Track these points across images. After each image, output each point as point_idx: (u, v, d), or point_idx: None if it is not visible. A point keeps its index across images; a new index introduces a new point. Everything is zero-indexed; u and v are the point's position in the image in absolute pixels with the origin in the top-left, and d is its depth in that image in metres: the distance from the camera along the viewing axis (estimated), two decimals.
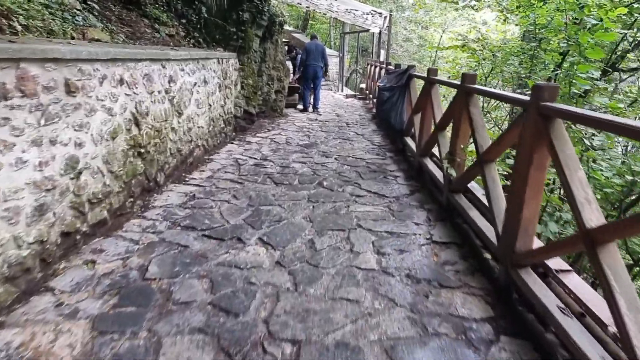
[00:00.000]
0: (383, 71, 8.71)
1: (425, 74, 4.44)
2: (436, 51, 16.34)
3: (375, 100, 7.97)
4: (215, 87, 5.32)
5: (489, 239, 2.37)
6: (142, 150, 3.26)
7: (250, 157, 5.08)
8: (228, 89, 5.97)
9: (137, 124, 3.18)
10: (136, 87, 3.16)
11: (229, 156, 5.07)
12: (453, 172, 2.99)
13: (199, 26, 6.18)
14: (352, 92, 14.11)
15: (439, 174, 3.64)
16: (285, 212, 3.28)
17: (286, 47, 10.51)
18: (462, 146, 2.96)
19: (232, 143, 5.85)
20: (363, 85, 13.01)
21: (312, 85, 9.23)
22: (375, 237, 2.85)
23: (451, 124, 3.32)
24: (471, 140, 2.90)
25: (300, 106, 9.75)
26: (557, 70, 7.00)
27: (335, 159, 5.16)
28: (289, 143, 6.04)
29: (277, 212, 3.26)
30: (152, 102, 3.45)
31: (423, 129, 4.19)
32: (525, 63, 7.56)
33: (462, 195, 3.08)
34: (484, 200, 2.72)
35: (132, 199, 3.10)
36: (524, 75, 7.96)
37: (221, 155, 5.09)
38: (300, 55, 10.18)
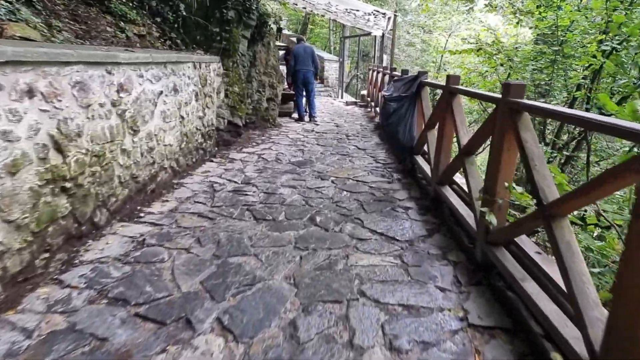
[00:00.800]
0: (387, 77, 7.90)
1: (439, 81, 3.62)
2: (441, 56, 15.56)
3: (379, 110, 7.13)
4: (190, 96, 4.49)
5: (566, 340, 1.52)
6: (69, 185, 2.41)
7: (229, 179, 4.23)
8: (208, 98, 5.14)
9: (60, 150, 2.34)
10: (59, 100, 2.33)
11: (204, 179, 4.22)
12: (493, 220, 2.14)
13: (176, 26, 5.37)
14: (353, 99, 13.30)
15: (466, 212, 2.79)
16: (261, 269, 2.42)
17: (284, 51, 9.70)
18: (506, 184, 2.11)
19: (212, 161, 5.01)
20: (364, 92, 12.21)
21: (304, 92, 8.42)
22: (386, 316, 1.99)
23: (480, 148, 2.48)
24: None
25: (295, 115, 8.93)
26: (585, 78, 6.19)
27: (333, 181, 4.32)
28: (279, 160, 5.20)
29: (250, 269, 2.41)
30: (88, 118, 2.61)
31: (441, 150, 3.35)
32: (547, 69, 6.74)
33: (504, 249, 2.23)
34: (545, 266, 1.87)
35: (47, 255, 2.25)
36: (544, 82, 7.14)
37: (195, 177, 4.25)
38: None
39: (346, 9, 7.47)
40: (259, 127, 7.33)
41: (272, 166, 4.90)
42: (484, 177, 2.43)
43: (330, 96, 15.13)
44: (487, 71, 9.73)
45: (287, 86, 9.39)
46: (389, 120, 4.37)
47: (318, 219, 3.24)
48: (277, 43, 20.50)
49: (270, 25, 6.65)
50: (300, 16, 28.48)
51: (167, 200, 3.52)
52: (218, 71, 5.50)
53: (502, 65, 7.11)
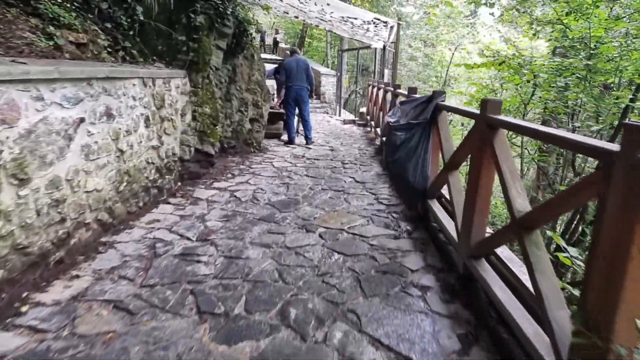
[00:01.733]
0: (388, 95, 6.93)
1: (468, 107, 2.61)
2: (447, 70, 14.68)
3: (383, 139, 6.12)
4: (136, 122, 3.48)
5: None
6: None
7: (182, 234, 3.18)
8: (167, 122, 4.13)
9: None
10: None
11: (147, 233, 3.17)
12: None
13: (132, 33, 4.39)
14: (351, 117, 12.35)
15: (524, 319, 1.73)
16: None
17: (277, 65, 8.76)
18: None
19: (169, 202, 3.96)
20: (363, 110, 11.26)
21: (296, 111, 7.47)
22: None
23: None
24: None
25: (285, 137, 7.93)
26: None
27: (321, 236, 3.27)
28: (256, 200, 4.16)
29: None
30: None
31: (474, 207, 2.30)
32: (577, 87, 5.76)
33: None
34: None
35: None
36: (573, 102, 6.16)
37: (136, 232, 3.19)
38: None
39: (342, 17, 6.55)
40: (240, 153, 6.31)
41: (245, 209, 3.85)
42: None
43: (327, 113, 14.20)
44: (502, 85, 8.80)
45: (275, 103, 8.43)
46: (395, 156, 3.34)
47: (293, 312, 2.18)
48: (272, 57, 19.75)
49: (252, 35, 5.69)
50: (297, 29, 27.92)
51: (77, 276, 2.46)
52: (183, 88, 4.50)
53: (528, 81, 6.15)
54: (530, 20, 8.21)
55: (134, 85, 3.43)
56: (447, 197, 3.34)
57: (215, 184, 4.67)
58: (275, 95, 8.32)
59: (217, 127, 5.05)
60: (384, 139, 6.74)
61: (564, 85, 5.60)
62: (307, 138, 7.60)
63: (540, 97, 6.17)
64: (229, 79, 5.90)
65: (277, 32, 26.37)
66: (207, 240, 3.08)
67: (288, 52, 8.66)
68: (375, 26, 6.61)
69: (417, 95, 3.80)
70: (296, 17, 7.91)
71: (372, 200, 4.32)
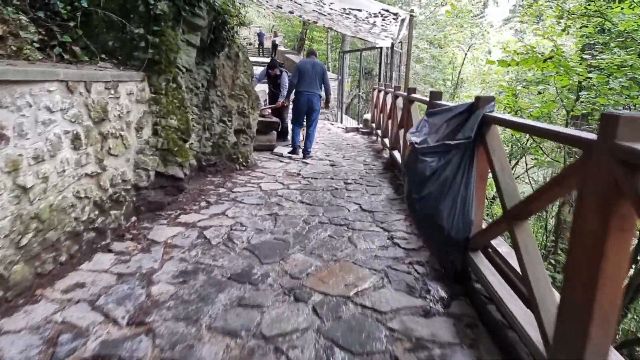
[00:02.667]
0: (400, 100, 5.92)
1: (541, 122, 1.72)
2: (459, 73, 13.66)
3: (402, 165, 5.09)
4: (56, 143, 2.48)
5: None
6: None
7: (108, 314, 2.15)
8: (114, 140, 3.13)
9: None
10: None
11: (55, 313, 2.14)
12: None
13: (73, 24, 3.40)
14: (354, 124, 11.35)
15: None
16: None
17: (267, 66, 7.77)
18: None
19: (111, 250, 2.95)
20: (367, 116, 10.27)
21: (304, 121, 6.55)
22: None
23: None
24: None
25: (280, 149, 6.93)
26: None
27: (316, 310, 2.25)
28: (231, 243, 3.14)
29: None
30: None
31: (594, 298, 1.28)
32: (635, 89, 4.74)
33: None
34: None
35: None
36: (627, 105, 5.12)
37: (39, 311, 2.16)
38: (284, 74, 7.50)
39: (344, 10, 5.56)
40: (223, 171, 5.30)
41: (214, 260, 2.83)
42: None
43: (328, 119, 13.22)
44: (526, 88, 7.79)
45: (266, 109, 7.44)
46: (423, 191, 2.30)
47: None
48: (262, 59, 18.74)
49: (233, 29, 4.69)
50: (297, 31, 27.02)
51: None
52: (140, 95, 3.50)
53: (580, 82, 5.13)
54: (560, 14, 7.20)
55: (49, 91, 2.43)
56: (496, 245, 2.33)
57: (183, 217, 3.65)
58: (283, 99, 7.34)
59: (187, 143, 4.04)
60: (386, 140, 5.72)
61: (620, 87, 4.59)
62: (306, 151, 6.61)
63: (582, 101, 5.17)
64: (208, 83, 4.90)
65: (275, 35, 25.52)
66: (142, 325, 2.06)
67: (292, 56, 7.67)
68: (383, 19, 5.63)
69: (451, 104, 2.77)
70: (291, 12, 6.94)
71: (385, 241, 3.29)
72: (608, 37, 6.66)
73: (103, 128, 2.98)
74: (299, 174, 5.56)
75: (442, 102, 3.37)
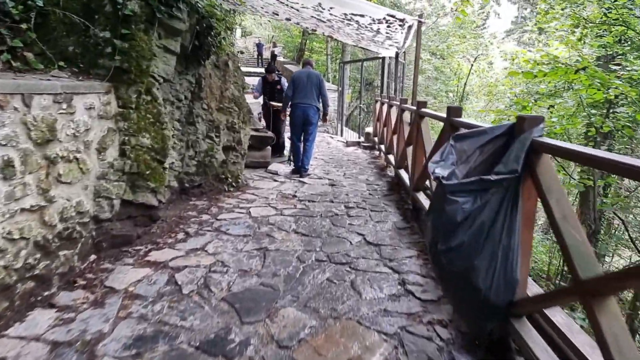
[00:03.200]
0: (407, 114, 5.38)
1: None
2: (464, 84, 13.18)
3: (409, 182, 4.56)
4: None
5: None
6: None
7: None
8: (66, 164, 2.58)
9: None
10: None
11: None
12: None
13: (26, 27, 2.88)
14: (355, 138, 10.83)
15: None
16: None
17: (262, 77, 7.26)
18: None
19: (53, 305, 2.36)
20: (369, 130, 9.75)
21: (300, 135, 6.05)
22: None
23: None
24: None
25: (275, 166, 6.39)
26: None
27: None
28: (207, 291, 2.56)
29: None
30: None
31: None
32: None
33: None
34: None
35: None
36: None
37: None
38: (283, 79, 7.02)
39: (345, 15, 5.06)
40: (209, 193, 4.74)
41: (181, 318, 2.25)
42: None
43: (327, 132, 12.70)
44: (536, 102, 7.28)
45: (261, 121, 6.92)
46: (452, 241, 1.73)
47: None
48: (260, 70, 18.35)
49: (220, 34, 4.17)
50: (296, 42, 26.73)
51: None
52: (103, 110, 2.95)
53: (616, 96, 4.60)
54: (576, 22, 6.72)
55: None
56: (549, 313, 1.76)
57: (153, 255, 3.07)
58: (268, 107, 6.84)
59: (164, 163, 3.48)
60: (391, 157, 5.14)
61: None
62: (303, 168, 6.06)
63: (617, 117, 4.64)
64: (192, 95, 4.37)
65: (274, 45, 25.20)
66: None
67: (290, 67, 7.21)
68: (388, 26, 5.14)
69: (484, 125, 2.20)
70: (288, 19, 6.46)
71: (396, 287, 2.72)
72: (629, 47, 6.16)
73: (50, 150, 2.42)
74: (294, 196, 4.99)
75: (470, 120, 2.83)
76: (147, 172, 3.28)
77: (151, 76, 3.33)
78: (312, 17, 5.66)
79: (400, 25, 5.09)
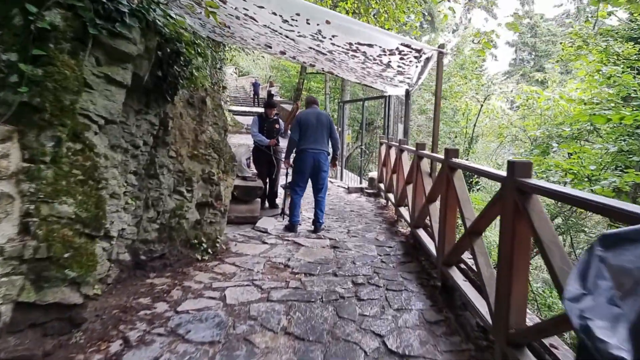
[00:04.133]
0: (425, 163, 4.41)
1: None
2: (474, 126, 12.40)
3: (435, 251, 3.52)
4: None
5: None
6: None
7: None
8: None
9: None
10: None
11: None
12: None
13: None
14: (357, 184, 9.87)
15: None
16: None
17: (258, 117, 6.32)
18: None
19: None
20: (373, 175, 8.81)
21: (305, 186, 5.19)
22: None
23: None
24: None
25: (265, 222, 5.35)
26: None
27: None
28: None
29: None
30: None
31: None
32: None
33: None
34: None
35: None
36: None
37: None
38: (280, 122, 6.15)
39: (350, 46, 4.24)
40: (175, 264, 3.66)
41: None
42: None
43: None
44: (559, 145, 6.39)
45: (250, 167, 5.96)
46: None
47: None
48: (257, 109, 17.68)
49: (191, 62, 3.25)
50: (294, 82, 26.53)
51: None
52: None
53: None
54: (601, 58, 5.97)
55: None
56: None
57: None
58: (283, 158, 5.91)
59: (96, 239, 2.43)
60: (403, 210, 4.06)
61: None
62: (317, 222, 5.23)
63: None
64: (156, 140, 3.41)
65: (271, 85, 24.93)
66: None
67: (288, 107, 6.40)
68: (402, 58, 4.31)
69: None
70: (283, 52, 5.68)
71: None
72: None
73: None
74: (287, 266, 3.91)
75: (470, 163, 1.86)
76: (66, 255, 2.23)
77: (83, 115, 2.36)
78: (311, 48, 4.85)
79: (415, 57, 4.25)
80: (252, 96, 26.13)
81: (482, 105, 12.59)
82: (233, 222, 5.20)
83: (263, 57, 29.17)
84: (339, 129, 11.83)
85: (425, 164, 4.33)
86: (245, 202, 5.30)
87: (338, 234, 5.21)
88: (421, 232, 4.34)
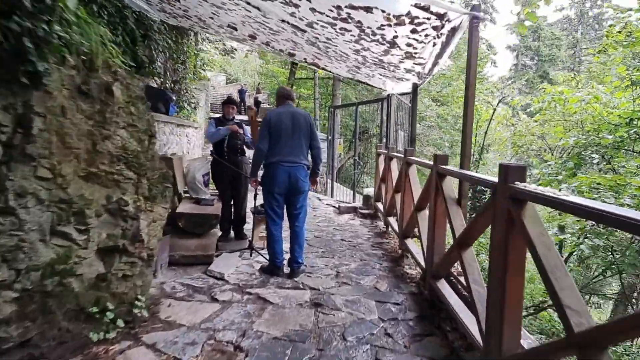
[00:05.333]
0: (447, 185, 3.07)
1: None
2: (485, 133, 11.13)
3: (483, 320, 2.19)
4: None
5: None
6: None
7: None
8: None
9: None
10: None
11: None
12: None
13: None
14: (349, 202, 8.54)
15: None
16: None
17: (214, 120, 4.88)
18: None
19: None
20: (369, 191, 7.47)
21: (283, 210, 3.85)
22: None
23: None
24: None
25: (224, 263, 3.97)
26: None
27: None
28: None
29: None
30: None
31: None
32: None
33: None
34: None
35: None
36: None
37: None
38: (247, 131, 4.86)
39: (338, 13, 2.92)
40: (51, 355, 2.24)
41: None
42: None
43: (314, 190, 10.38)
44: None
45: (208, 187, 4.60)
46: None
47: None
48: (243, 117, 16.43)
49: (55, 12, 1.91)
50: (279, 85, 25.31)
51: None
52: None
53: None
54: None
55: None
56: None
57: None
58: (247, 174, 4.62)
59: None
60: (414, 247, 2.72)
61: None
62: (294, 263, 3.86)
63: None
64: (8, 151, 2.03)
65: (258, 92, 23.69)
66: None
67: (261, 99, 5.02)
68: (414, 30, 2.97)
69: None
70: (252, 36, 4.35)
71: None
72: None
73: None
74: (238, 348, 2.52)
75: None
76: None
77: None
78: (285, 22, 3.54)
79: (435, 27, 2.94)
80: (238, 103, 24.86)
81: (494, 110, 11.33)
82: (178, 264, 3.81)
83: (248, 54, 28.09)
84: (329, 137, 10.52)
85: (448, 186, 2.98)
86: (196, 235, 3.91)
87: (323, 279, 3.83)
88: (443, 287, 2.99)
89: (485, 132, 10.94)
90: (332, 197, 9.41)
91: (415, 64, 3.90)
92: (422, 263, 3.53)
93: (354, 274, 4.00)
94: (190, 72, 8.08)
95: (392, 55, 3.75)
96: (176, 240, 3.80)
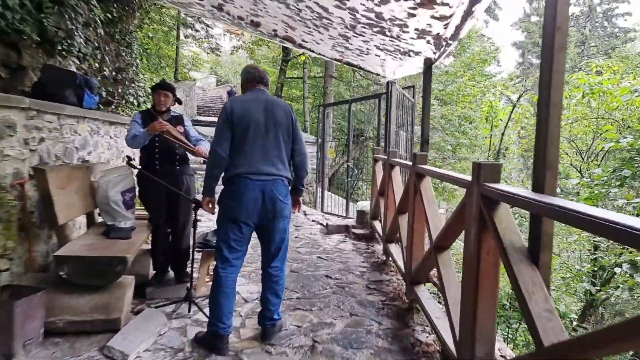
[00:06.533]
0: (508, 212, 1.78)
1: None
2: (502, 134, 9.83)
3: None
4: None
5: None
6: None
7: None
8: None
9: None
10: None
11: None
12: None
13: None
14: (340, 218, 7.23)
15: None
16: None
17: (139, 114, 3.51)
18: None
19: None
20: (364, 206, 6.12)
21: (246, 250, 2.46)
22: None
23: None
24: None
25: (140, 330, 2.58)
26: None
27: None
28: None
29: None
30: None
31: None
32: None
33: None
34: None
35: None
36: None
37: None
38: (188, 123, 3.49)
39: None
40: None
41: None
42: None
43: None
44: None
45: (132, 204, 3.23)
46: None
47: None
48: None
49: None
50: (272, 89, 24.13)
51: None
52: None
53: None
54: None
55: None
56: None
57: None
58: (190, 191, 3.30)
59: None
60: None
61: None
62: (267, 321, 2.67)
63: None
64: None
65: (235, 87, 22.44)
66: None
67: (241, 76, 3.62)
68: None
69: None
70: (219, 6, 3.01)
71: None
72: None
73: None
74: None
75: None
76: None
77: None
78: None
79: None
80: None
81: (514, 107, 9.99)
82: (61, 333, 2.45)
83: (234, 52, 27.07)
84: (319, 140, 9.17)
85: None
86: (94, 289, 2.55)
87: (294, 352, 2.48)
88: None
89: (503, 133, 9.64)
90: (321, 210, 8.06)
91: (435, 16, 2.53)
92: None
93: (339, 345, 2.65)
94: (140, 57, 6.73)
95: (398, 15, 2.34)
96: (59, 298, 2.45)
